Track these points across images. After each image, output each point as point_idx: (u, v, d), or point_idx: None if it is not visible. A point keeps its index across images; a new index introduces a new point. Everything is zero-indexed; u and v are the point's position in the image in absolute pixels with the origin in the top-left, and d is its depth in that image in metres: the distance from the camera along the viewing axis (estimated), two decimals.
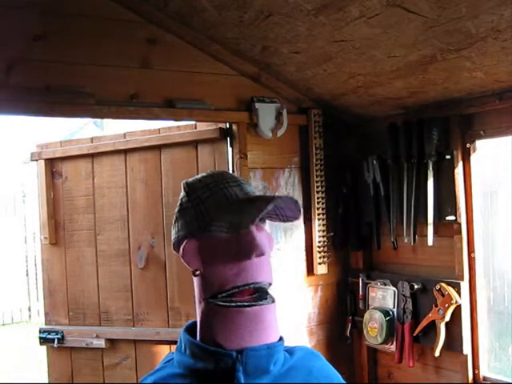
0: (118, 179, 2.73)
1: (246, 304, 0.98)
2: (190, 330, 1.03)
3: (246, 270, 0.99)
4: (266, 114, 2.45)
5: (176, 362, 1.02)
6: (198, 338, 1.01)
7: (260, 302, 0.99)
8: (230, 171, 2.46)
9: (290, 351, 1.04)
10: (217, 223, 0.97)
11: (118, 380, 2.71)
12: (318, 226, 2.59)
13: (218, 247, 0.98)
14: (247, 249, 0.98)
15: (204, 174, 1.06)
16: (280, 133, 2.48)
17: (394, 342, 2.45)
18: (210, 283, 0.99)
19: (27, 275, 8.91)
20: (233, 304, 0.97)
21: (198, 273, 0.99)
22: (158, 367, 1.05)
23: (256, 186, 2.47)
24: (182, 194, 1.04)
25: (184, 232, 1.00)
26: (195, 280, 1.01)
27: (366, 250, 2.70)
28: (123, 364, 2.72)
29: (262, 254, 0.99)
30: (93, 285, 2.78)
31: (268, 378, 0.97)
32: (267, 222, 1.07)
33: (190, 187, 1.03)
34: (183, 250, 1.00)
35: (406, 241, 2.40)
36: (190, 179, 1.06)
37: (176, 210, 1.04)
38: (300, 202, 2.60)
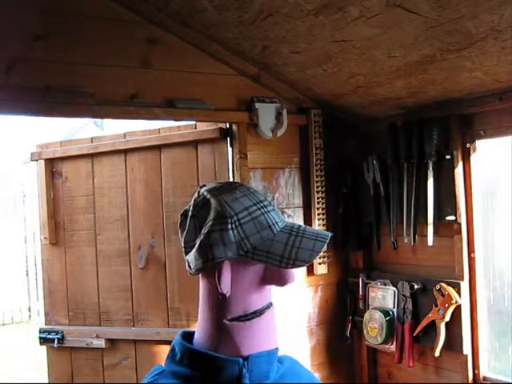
0: (118, 179, 2.73)
1: (261, 312, 0.99)
2: (186, 339, 1.02)
3: (265, 293, 0.99)
4: (266, 113, 2.45)
5: (169, 373, 0.99)
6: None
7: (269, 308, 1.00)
8: (230, 171, 2.46)
9: (279, 360, 1.04)
10: (262, 252, 0.94)
11: (118, 380, 2.71)
12: (317, 226, 2.59)
13: (252, 273, 0.97)
14: (284, 278, 0.98)
15: (236, 191, 0.99)
16: (280, 133, 2.48)
17: (394, 342, 2.45)
18: (234, 307, 0.97)
19: (27, 275, 8.92)
20: (251, 316, 0.98)
21: (228, 295, 0.96)
22: (147, 381, 1.00)
23: (256, 186, 2.47)
24: (218, 209, 0.95)
25: (222, 254, 0.94)
26: (215, 299, 0.98)
27: (366, 250, 2.70)
28: (123, 364, 2.72)
29: (292, 281, 0.99)
30: (93, 285, 2.78)
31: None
32: None
33: (229, 206, 0.95)
34: (222, 272, 0.95)
35: (406, 241, 2.40)
36: (224, 195, 0.97)
37: (207, 223, 0.95)
38: (300, 202, 2.61)
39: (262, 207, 0.98)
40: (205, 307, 1.01)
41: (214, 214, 0.96)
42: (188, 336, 1.03)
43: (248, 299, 0.97)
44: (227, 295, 0.96)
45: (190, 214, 0.99)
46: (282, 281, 0.99)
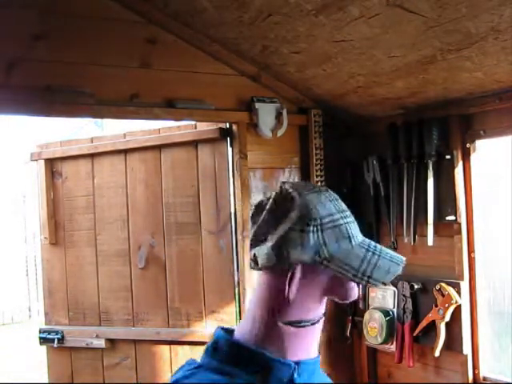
0: (118, 179, 2.72)
1: (315, 321, 0.97)
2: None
3: (323, 304, 0.98)
4: (266, 114, 2.45)
5: (210, 368, 0.94)
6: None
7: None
8: (230, 171, 2.46)
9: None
10: (339, 262, 0.92)
11: (118, 380, 2.71)
12: None
13: (318, 282, 0.95)
14: (348, 294, 0.96)
15: (322, 194, 0.95)
16: (280, 133, 2.48)
17: (394, 342, 2.45)
18: (293, 312, 0.95)
19: (27, 275, 8.91)
20: (305, 323, 0.96)
21: (292, 297, 0.93)
22: (182, 374, 0.95)
23: (256, 186, 2.47)
24: (302, 208, 0.92)
25: (298, 257, 0.91)
26: (275, 300, 0.95)
27: None
28: (123, 364, 2.72)
29: (355, 298, 0.98)
30: (93, 285, 2.78)
31: None
32: None
33: (314, 208, 0.92)
34: (294, 277, 0.92)
35: (406, 241, 2.40)
36: (311, 195, 0.94)
37: (289, 221, 0.92)
38: None
39: (344, 217, 0.95)
40: (261, 305, 0.96)
41: (297, 212, 0.92)
42: (228, 332, 1.00)
43: (307, 307, 0.95)
44: (291, 297, 0.93)
45: (268, 207, 0.96)
46: (345, 296, 0.97)
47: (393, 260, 0.95)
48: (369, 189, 2.57)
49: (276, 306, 0.95)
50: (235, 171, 2.44)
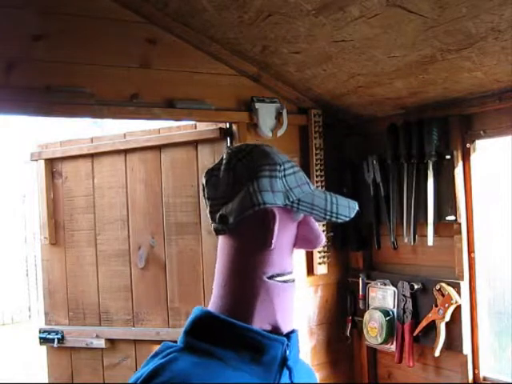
0: (118, 179, 2.73)
1: (292, 279, 0.96)
2: (204, 317, 0.94)
3: (292, 259, 0.98)
4: (266, 113, 2.45)
5: (194, 350, 0.89)
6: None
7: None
8: None
9: None
10: (307, 204, 0.94)
11: (118, 380, 2.71)
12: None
13: (290, 229, 0.95)
14: (318, 237, 0.98)
15: (273, 148, 0.98)
16: (280, 133, 2.48)
17: (394, 342, 2.45)
18: (275, 262, 0.93)
19: (27, 275, 8.92)
20: (286, 279, 0.95)
21: (273, 247, 0.92)
22: (161, 361, 0.88)
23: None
24: (268, 156, 0.94)
25: (271, 200, 0.92)
26: (254, 255, 0.93)
27: (366, 250, 2.70)
28: (123, 364, 2.72)
29: (323, 242, 1.00)
30: (93, 285, 2.78)
31: (303, 366, 1.00)
32: None
33: (276, 155, 0.95)
34: (275, 218, 0.91)
35: (406, 241, 2.40)
36: (266, 147, 0.97)
37: (255, 170, 0.93)
38: None
39: (296, 165, 0.98)
40: (237, 267, 0.93)
41: (261, 160, 0.94)
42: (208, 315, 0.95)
43: (285, 257, 0.95)
44: (273, 246, 0.92)
45: (224, 167, 0.95)
46: (316, 240, 0.98)
47: (347, 199, 1.01)
48: (369, 189, 2.57)
49: (257, 260, 0.93)
50: None
